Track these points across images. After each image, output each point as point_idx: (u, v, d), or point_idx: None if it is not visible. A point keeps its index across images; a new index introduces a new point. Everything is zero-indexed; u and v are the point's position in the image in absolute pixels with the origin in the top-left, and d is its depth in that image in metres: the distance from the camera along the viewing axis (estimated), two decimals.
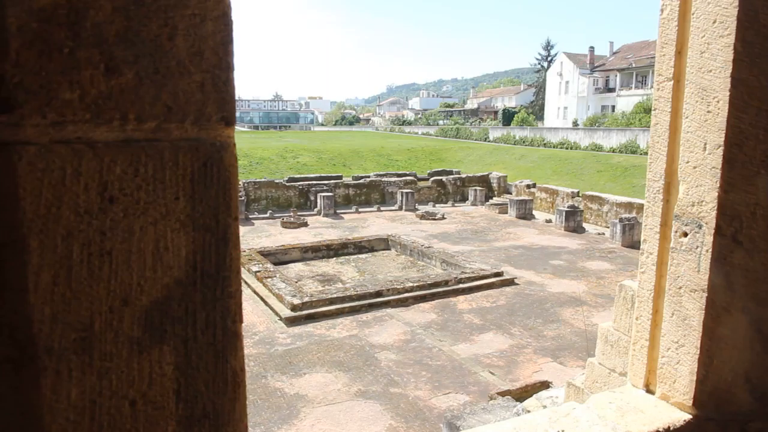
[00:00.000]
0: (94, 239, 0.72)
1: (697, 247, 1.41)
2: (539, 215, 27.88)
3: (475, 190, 32.15)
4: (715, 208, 1.35)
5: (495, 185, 34.17)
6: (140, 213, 0.73)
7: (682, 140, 1.44)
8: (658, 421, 1.40)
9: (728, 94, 1.30)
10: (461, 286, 16.17)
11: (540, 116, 74.87)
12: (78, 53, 0.69)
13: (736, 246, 1.37)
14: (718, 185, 1.34)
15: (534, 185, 30.91)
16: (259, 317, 14.12)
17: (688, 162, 1.43)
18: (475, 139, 57.14)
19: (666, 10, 1.44)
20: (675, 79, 1.46)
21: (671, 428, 1.38)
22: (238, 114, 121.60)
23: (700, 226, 1.39)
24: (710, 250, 1.38)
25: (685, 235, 1.44)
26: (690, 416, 1.42)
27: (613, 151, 39.05)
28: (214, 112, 0.77)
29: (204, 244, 0.78)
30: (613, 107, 65.11)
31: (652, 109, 1.53)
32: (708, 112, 1.36)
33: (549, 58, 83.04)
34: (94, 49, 0.70)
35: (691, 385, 1.42)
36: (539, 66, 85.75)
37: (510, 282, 16.83)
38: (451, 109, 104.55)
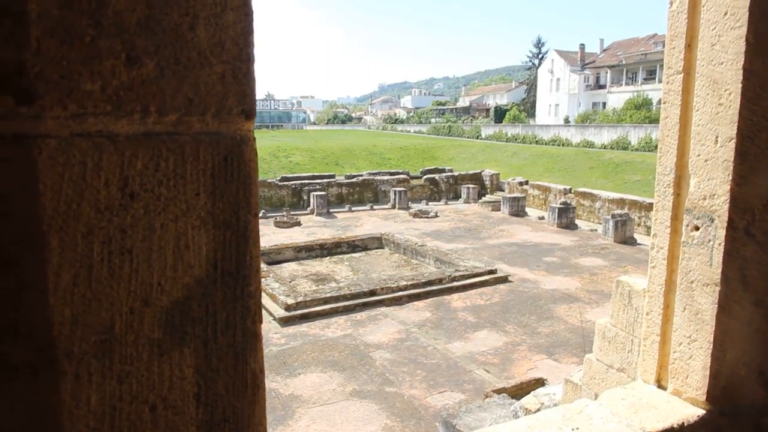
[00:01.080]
0: (114, 237, 0.69)
1: (709, 240, 1.40)
2: (532, 212, 27.97)
3: (468, 187, 32.19)
4: (728, 201, 1.35)
5: (488, 183, 34.22)
6: (161, 209, 0.71)
7: (693, 133, 1.43)
8: (671, 417, 1.39)
9: (740, 86, 1.30)
10: (455, 284, 16.18)
11: (532, 113, 75.14)
12: (99, 42, 0.66)
13: (749, 239, 1.36)
14: (731, 178, 1.34)
15: (526, 182, 31.00)
16: None
17: (699, 155, 1.42)
18: (468, 137, 57.25)
19: (675, 2, 1.43)
20: (685, 72, 1.45)
21: (685, 424, 1.37)
22: None
23: (712, 220, 1.39)
24: (723, 244, 1.37)
25: (697, 228, 1.44)
26: (703, 411, 1.42)
27: (605, 148, 39.26)
28: (234, 105, 0.74)
29: (224, 241, 0.75)
30: (604, 104, 65.50)
31: (662, 102, 1.52)
32: (720, 104, 1.35)
33: (540, 56, 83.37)
34: (116, 38, 0.67)
35: (704, 380, 1.41)
36: (530, 63, 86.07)
37: (504, 279, 16.86)
38: (443, 107, 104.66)
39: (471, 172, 35.49)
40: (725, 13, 1.31)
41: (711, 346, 1.41)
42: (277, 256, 20.14)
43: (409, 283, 15.92)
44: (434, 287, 15.97)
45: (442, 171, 36.20)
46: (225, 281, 0.77)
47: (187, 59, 0.70)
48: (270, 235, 23.66)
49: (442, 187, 33.71)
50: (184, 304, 0.73)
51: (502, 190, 32.58)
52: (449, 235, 23.42)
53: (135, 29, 0.66)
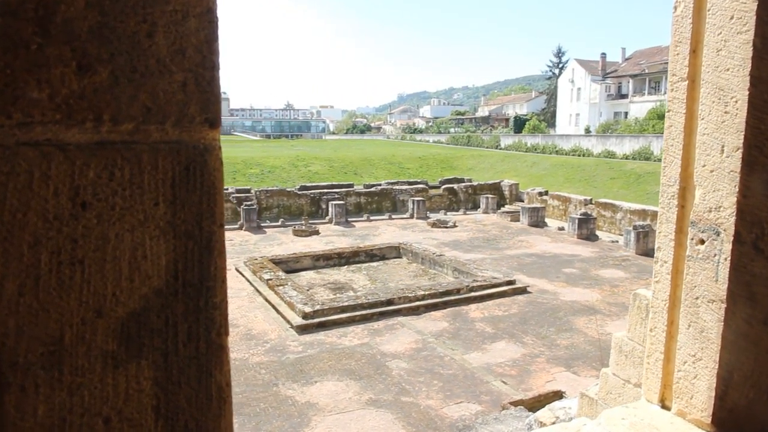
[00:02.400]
0: (64, 247, 0.67)
1: (715, 255, 1.34)
2: (552, 223, 27.66)
3: (487, 197, 32.00)
4: (734, 213, 1.28)
5: (507, 193, 33.98)
6: (116, 219, 0.69)
7: (698, 143, 1.37)
8: None
9: (747, 93, 1.24)
10: (473, 294, 16.04)
11: (552, 123, 74.59)
12: (47, 50, 0.65)
13: (758, 254, 1.30)
14: (737, 190, 1.27)
15: (546, 193, 30.70)
16: (270, 325, 14.12)
17: (704, 166, 1.36)
18: (487, 147, 57.02)
19: (680, 7, 1.38)
20: (690, 79, 1.39)
21: None
22: (250, 123, 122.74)
23: (717, 233, 1.33)
24: (729, 259, 1.31)
25: (702, 242, 1.37)
26: None
27: (627, 158, 38.70)
28: (197, 113, 0.72)
29: (186, 252, 0.73)
30: (626, 113, 64.69)
31: (666, 110, 1.46)
32: (725, 112, 1.29)
33: (560, 65, 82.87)
34: (65, 45, 0.65)
35: (709, 402, 1.34)
36: (550, 73, 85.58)
37: (522, 290, 16.67)
38: (462, 117, 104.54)
39: (490, 182, 35.28)
40: (731, 17, 1.26)
41: (717, 366, 1.34)
42: (295, 265, 20.22)
43: (427, 292, 15.83)
44: (452, 297, 15.85)
45: (461, 181, 36.06)
46: (187, 292, 0.74)
47: (144, 67, 0.69)
48: (288, 243, 23.78)
49: (461, 197, 33.56)
50: (141, 315, 0.71)
51: (522, 201, 32.31)
52: (468, 245, 23.26)
53: (87, 37, 0.64)
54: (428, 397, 10.38)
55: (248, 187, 31.29)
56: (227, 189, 30.08)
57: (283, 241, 24.20)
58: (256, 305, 15.65)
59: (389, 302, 15.22)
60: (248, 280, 17.79)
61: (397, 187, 33.35)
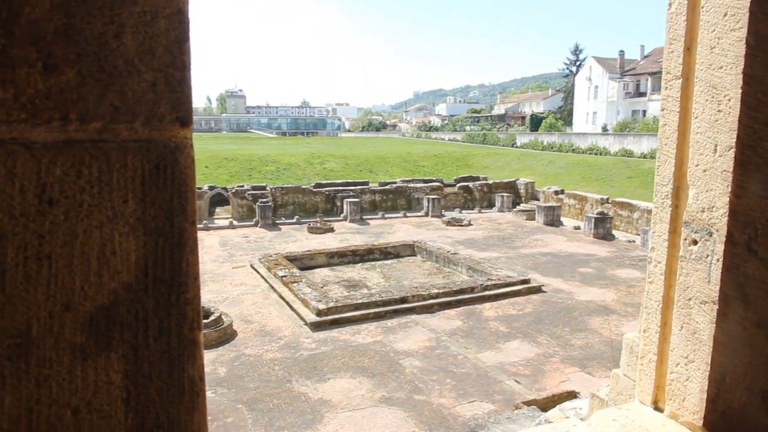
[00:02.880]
0: (31, 242, 0.69)
1: (708, 255, 1.32)
2: (567, 222, 27.41)
3: (502, 196, 31.82)
4: (727, 214, 1.26)
5: (522, 191, 33.75)
6: (84, 216, 0.70)
7: (692, 142, 1.35)
8: None
9: (740, 91, 1.21)
10: (487, 293, 15.98)
11: (568, 122, 73.87)
12: (12, 51, 0.66)
13: (751, 255, 1.27)
14: (730, 190, 1.25)
15: (562, 191, 30.43)
16: (284, 322, 14.21)
17: (697, 165, 1.34)
18: (503, 145, 56.70)
19: (674, 4, 1.36)
20: (684, 77, 1.37)
21: None
22: (266, 121, 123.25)
23: (710, 234, 1.30)
24: (721, 259, 1.28)
25: (695, 242, 1.35)
26: None
27: (644, 157, 38.15)
28: (167, 112, 0.73)
29: (157, 248, 0.75)
30: (644, 112, 63.75)
31: (661, 109, 1.45)
32: (718, 111, 1.27)
33: (578, 63, 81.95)
34: (31, 47, 0.67)
35: (701, 404, 1.32)
36: (568, 71, 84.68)
37: (537, 289, 16.56)
38: (478, 115, 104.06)
39: (505, 180, 35.08)
40: (725, 14, 1.24)
41: (709, 368, 1.31)
42: (309, 262, 20.32)
43: (441, 291, 15.80)
44: (466, 296, 15.81)
45: (476, 179, 35.90)
46: (158, 288, 0.76)
47: (112, 67, 0.70)
48: (303, 240, 23.91)
49: (476, 196, 33.42)
50: (110, 309, 0.73)
51: (537, 199, 32.07)
52: (482, 244, 23.16)
53: (52, 38, 0.66)
54: (441, 395, 10.37)
55: (264, 185, 31.50)
56: (243, 186, 30.29)
57: (297, 239, 24.34)
58: (270, 302, 15.76)
59: (403, 300, 15.23)
60: (263, 277, 17.92)
61: (412, 185, 33.32)
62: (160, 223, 0.75)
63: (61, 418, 0.71)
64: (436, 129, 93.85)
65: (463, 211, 31.47)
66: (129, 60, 0.71)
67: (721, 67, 1.27)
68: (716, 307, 1.30)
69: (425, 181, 34.78)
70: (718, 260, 1.30)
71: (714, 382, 1.31)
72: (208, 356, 11.86)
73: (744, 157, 1.24)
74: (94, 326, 0.72)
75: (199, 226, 26.26)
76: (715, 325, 1.30)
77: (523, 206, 31.28)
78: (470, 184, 33.97)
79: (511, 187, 34.04)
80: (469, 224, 27.49)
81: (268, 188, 30.38)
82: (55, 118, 0.68)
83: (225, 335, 12.88)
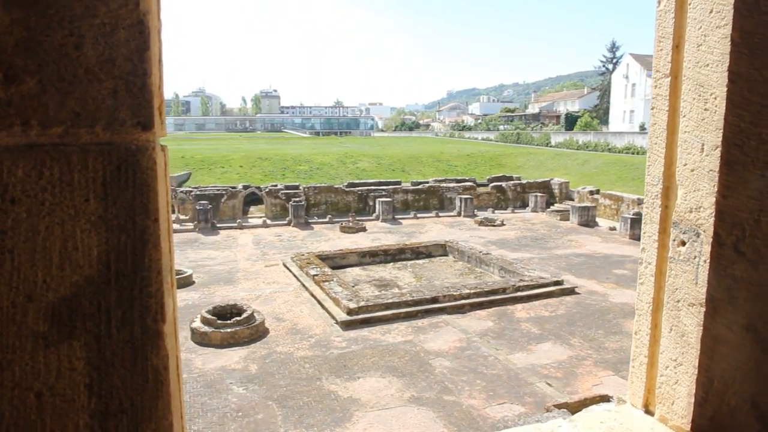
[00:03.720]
0: None
1: (695, 257, 1.28)
2: (603, 222, 26.81)
3: (536, 196, 31.36)
4: (713, 214, 1.23)
5: (556, 191, 33.18)
6: (46, 213, 0.76)
7: (680, 141, 1.32)
8: None
9: (725, 89, 1.18)
10: (519, 294, 15.80)
11: (604, 120, 72.15)
12: None
13: (738, 257, 1.23)
14: (716, 190, 1.22)
15: (597, 191, 29.78)
16: (315, 320, 14.36)
17: (685, 164, 1.31)
18: (536, 145, 55.87)
19: (663, 1, 1.33)
20: (673, 75, 1.34)
21: None
22: (300, 121, 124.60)
23: (698, 234, 1.27)
24: (708, 261, 1.25)
25: (683, 243, 1.32)
26: None
27: None
28: (128, 117, 0.78)
29: (119, 244, 0.79)
30: None
31: (651, 108, 1.42)
32: (705, 109, 1.24)
33: (614, 60, 79.90)
34: None
35: (689, 408, 1.29)
36: (604, 69, 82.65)
37: (570, 291, 16.27)
38: (512, 114, 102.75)
39: (539, 180, 34.55)
40: (711, 11, 1.20)
41: (696, 371, 1.28)
42: (341, 261, 20.48)
43: (472, 291, 15.70)
44: (497, 296, 15.67)
45: (510, 179, 35.48)
46: (120, 282, 0.80)
47: (72, 76, 0.75)
48: (335, 239, 24.11)
49: (509, 195, 33.03)
50: (72, 300, 0.77)
51: (572, 199, 31.47)
52: (515, 244, 22.89)
53: (13, 50, 0.71)
54: (471, 396, 10.30)
55: (297, 184, 31.91)
56: (276, 185, 30.75)
57: (330, 238, 24.56)
58: (302, 300, 15.95)
59: (434, 300, 15.19)
60: (295, 276, 18.16)
61: (444, 184, 33.18)
62: (122, 220, 0.79)
63: (24, 401, 0.77)
64: (470, 128, 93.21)
65: (496, 211, 31.17)
66: (89, 69, 0.76)
67: (708, 65, 1.24)
68: (703, 309, 1.27)
69: (458, 181, 34.58)
70: (705, 261, 1.27)
71: (702, 386, 1.28)
72: (240, 353, 12.10)
73: (730, 156, 1.21)
74: (57, 316, 0.77)
75: (233, 224, 26.80)
76: (702, 328, 1.27)
77: (557, 206, 30.75)
78: (503, 184, 33.60)
79: (545, 186, 33.51)
80: (502, 224, 27.19)
81: (301, 187, 30.75)
82: (17, 124, 0.74)
83: (257, 333, 13.11)
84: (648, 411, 1.45)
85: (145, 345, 0.83)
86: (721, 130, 1.21)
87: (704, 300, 1.27)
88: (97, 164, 0.78)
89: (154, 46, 0.80)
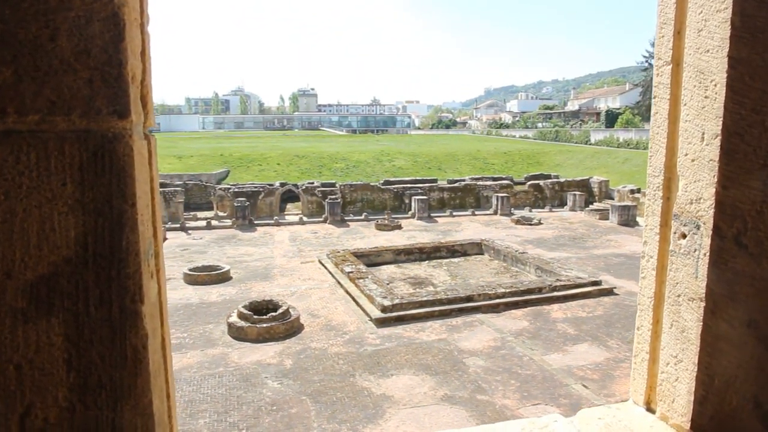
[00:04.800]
0: None
1: (695, 250, 1.23)
2: (644, 222, 26.03)
3: (574, 194, 30.68)
4: (713, 206, 1.18)
5: (596, 190, 32.40)
6: (23, 196, 0.80)
7: (681, 130, 1.26)
8: None
9: (725, 76, 1.13)
10: (556, 294, 15.50)
11: (647, 117, 69.83)
12: None
13: (740, 250, 1.17)
14: (716, 180, 1.17)
15: (638, 190, 28.91)
16: (350, 317, 14.45)
17: (686, 154, 1.25)
18: (576, 142, 54.68)
19: None
20: (674, 63, 1.29)
21: None
22: (337, 119, 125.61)
23: (698, 227, 1.22)
24: (708, 254, 1.20)
25: (684, 236, 1.27)
26: None
27: None
28: (104, 105, 0.82)
29: (96, 227, 0.83)
30: None
31: (652, 96, 1.36)
32: (705, 97, 1.19)
33: None
34: None
35: (689, 406, 1.24)
36: (647, 64, 79.95)
37: (608, 292, 15.86)
38: (551, 111, 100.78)
39: (578, 178, 33.81)
40: None
41: (696, 369, 1.23)
42: (376, 259, 20.55)
43: (508, 290, 15.50)
44: (533, 296, 15.43)
45: (548, 177, 34.83)
46: (98, 262, 0.84)
47: (48, 66, 0.79)
48: (371, 237, 24.20)
49: (547, 194, 32.43)
50: (50, 279, 0.82)
51: (612, 198, 30.66)
52: (552, 244, 22.47)
53: None
54: (504, 396, 10.18)
55: (333, 182, 32.20)
56: (313, 183, 31.10)
57: (365, 235, 24.67)
58: (336, 297, 16.09)
59: (469, 299, 15.08)
60: (330, 273, 18.33)
61: (481, 182, 32.86)
62: (99, 204, 0.83)
63: (4, 372, 0.82)
64: (507, 126, 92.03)
65: (533, 210, 30.67)
66: (64, 60, 0.80)
67: (708, 51, 1.18)
68: (703, 304, 1.22)
69: (494, 179, 34.18)
70: (705, 255, 1.22)
71: (702, 383, 1.23)
72: (275, 348, 12.30)
73: (730, 145, 1.16)
74: (35, 293, 0.82)
75: (270, 221, 27.27)
76: (702, 324, 1.22)
77: (596, 205, 30.03)
78: (541, 182, 33.01)
79: (583, 185, 32.76)
80: (539, 223, 26.73)
81: (337, 185, 31.01)
82: None
83: (292, 328, 13.29)
84: (649, 408, 1.41)
85: (124, 324, 0.87)
86: (721, 119, 1.16)
87: (704, 295, 1.22)
88: (74, 150, 0.82)
89: (131, 38, 0.83)
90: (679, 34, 1.28)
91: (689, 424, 1.27)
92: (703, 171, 1.22)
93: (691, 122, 1.25)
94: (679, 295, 1.31)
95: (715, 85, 1.17)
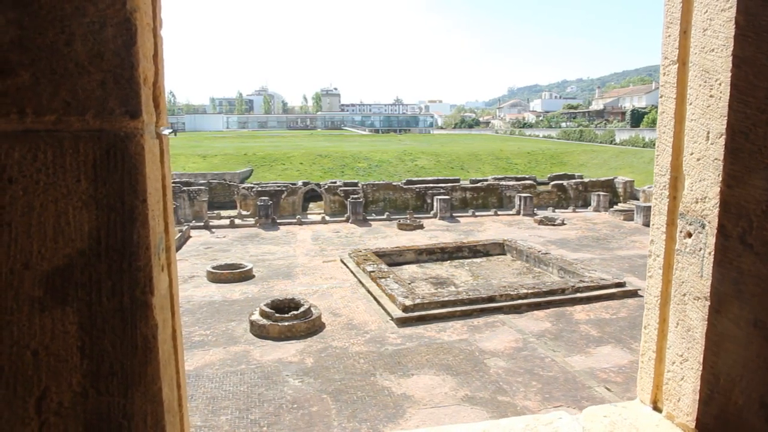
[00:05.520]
0: None
1: (701, 249, 1.22)
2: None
3: (599, 195, 30.24)
4: (718, 205, 1.17)
5: (620, 190, 31.87)
6: (40, 192, 0.85)
7: (687, 129, 1.26)
8: None
9: (730, 75, 1.12)
10: (579, 295, 15.33)
11: None
12: None
13: (745, 249, 1.16)
14: (721, 179, 1.16)
15: None
16: (371, 316, 14.50)
17: (692, 154, 1.25)
18: (600, 142, 53.91)
19: None
20: (681, 62, 1.28)
21: None
22: (359, 118, 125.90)
23: (703, 226, 1.21)
24: (713, 253, 1.19)
25: (690, 235, 1.26)
26: None
27: None
28: (116, 106, 0.86)
29: (109, 221, 0.88)
30: None
31: (659, 96, 1.36)
32: (710, 96, 1.18)
33: None
34: None
35: (694, 405, 1.23)
36: None
37: (633, 293, 15.62)
38: (575, 111, 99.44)
39: (602, 178, 33.32)
40: None
41: (701, 368, 1.22)
42: (398, 258, 20.58)
43: (530, 291, 15.39)
44: (556, 297, 15.29)
45: (571, 177, 34.40)
46: (110, 255, 0.89)
47: (63, 69, 0.84)
48: (392, 237, 24.23)
49: (571, 194, 32.02)
50: (65, 270, 0.86)
51: (637, 199, 30.13)
52: (575, 244, 22.20)
53: (8, 47, 0.81)
54: (526, 397, 10.12)
55: (356, 181, 32.30)
56: (335, 182, 31.26)
57: (387, 235, 24.71)
58: (358, 296, 16.15)
59: (490, 299, 15.01)
60: (352, 272, 18.41)
61: (503, 182, 32.62)
62: (112, 200, 0.88)
63: (22, 357, 0.87)
64: (530, 126, 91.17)
65: (557, 210, 30.32)
66: (79, 63, 0.84)
67: (713, 50, 1.18)
68: (708, 303, 1.21)
69: (517, 179, 33.89)
70: (710, 254, 1.21)
71: (707, 383, 1.22)
72: (297, 346, 12.41)
73: (735, 144, 1.15)
74: (51, 283, 0.87)
75: (292, 220, 27.49)
76: (707, 323, 1.22)
77: (620, 206, 29.55)
78: (564, 183, 32.62)
79: (608, 185, 32.26)
80: (563, 224, 26.42)
81: (359, 185, 31.10)
82: (13, 112, 0.84)
83: (314, 327, 13.39)
84: (656, 407, 1.40)
85: (135, 314, 0.91)
86: (726, 117, 1.15)
87: (709, 294, 1.21)
88: (88, 149, 0.87)
89: (143, 42, 0.88)
90: (685, 33, 1.28)
91: (694, 423, 1.26)
92: (708, 170, 1.22)
93: (696, 121, 1.25)
94: (684, 294, 1.30)
95: (720, 84, 1.17)
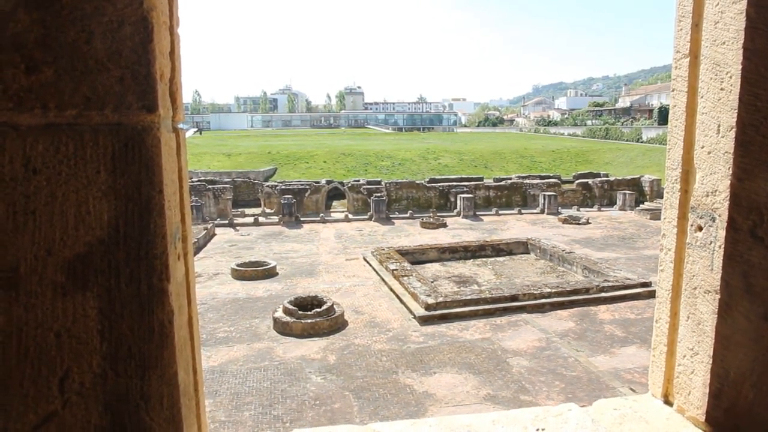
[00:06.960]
0: (18, 200, 0.91)
1: (711, 242, 1.21)
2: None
3: (624, 194, 29.70)
4: (728, 198, 1.15)
5: (647, 189, 31.25)
6: (63, 182, 0.90)
7: (698, 122, 1.24)
8: None
9: (740, 67, 1.10)
10: (603, 294, 15.11)
11: None
12: (0, 57, 0.86)
13: (755, 242, 1.15)
14: (731, 172, 1.14)
15: None
16: (393, 314, 14.51)
17: (703, 147, 1.23)
18: (626, 140, 52.94)
19: None
20: (692, 55, 1.27)
21: None
22: (383, 117, 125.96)
23: (713, 219, 1.20)
24: (723, 246, 1.18)
25: (700, 228, 1.25)
26: None
27: None
28: (134, 101, 0.91)
29: (127, 211, 0.92)
30: None
31: (671, 90, 1.34)
32: (721, 89, 1.16)
33: None
34: (15, 53, 0.88)
35: (704, 399, 1.22)
36: None
37: None
38: (601, 109, 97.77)
39: (628, 177, 32.72)
40: None
41: (711, 362, 1.21)
42: (420, 257, 20.56)
43: (554, 290, 15.23)
44: (580, 297, 15.09)
45: (597, 176, 33.88)
46: (128, 243, 0.93)
47: (84, 66, 0.88)
48: (415, 235, 24.21)
49: (596, 193, 31.53)
50: (86, 257, 0.91)
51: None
52: (600, 243, 21.87)
53: (33, 45, 0.86)
54: (548, 397, 10.02)
55: (379, 179, 32.36)
56: (358, 181, 31.36)
57: (410, 233, 24.70)
58: (381, 294, 16.19)
59: (513, 298, 14.90)
60: (375, 270, 18.46)
61: (528, 181, 32.30)
62: (130, 191, 0.93)
63: (46, 339, 0.92)
64: (555, 123, 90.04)
65: (581, 209, 29.90)
66: (99, 60, 0.89)
67: (724, 43, 1.16)
68: (718, 296, 1.20)
69: (542, 178, 33.52)
70: (719, 247, 1.20)
71: (717, 377, 1.21)
72: (319, 343, 12.51)
73: (745, 137, 1.13)
74: (72, 269, 0.92)
75: (316, 218, 27.69)
76: (717, 317, 1.20)
77: (647, 205, 28.97)
78: (590, 181, 32.14)
79: (634, 184, 31.67)
80: (587, 222, 26.05)
81: (382, 183, 31.15)
82: (37, 107, 0.89)
83: (336, 324, 13.47)
84: (667, 401, 1.39)
85: (152, 300, 0.96)
86: (736, 110, 1.14)
87: (719, 287, 1.20)
88: (107, 142, 0.92)
89: (159, 40, 0.92)
90: (696, 26, 1.27)
91: (704, 417, 1.25)
92: (718, 163, 1.21)
93: (707, 114, 1.24)
94: (695, 288, 1.29)
95: (731, 77, 1.16)
